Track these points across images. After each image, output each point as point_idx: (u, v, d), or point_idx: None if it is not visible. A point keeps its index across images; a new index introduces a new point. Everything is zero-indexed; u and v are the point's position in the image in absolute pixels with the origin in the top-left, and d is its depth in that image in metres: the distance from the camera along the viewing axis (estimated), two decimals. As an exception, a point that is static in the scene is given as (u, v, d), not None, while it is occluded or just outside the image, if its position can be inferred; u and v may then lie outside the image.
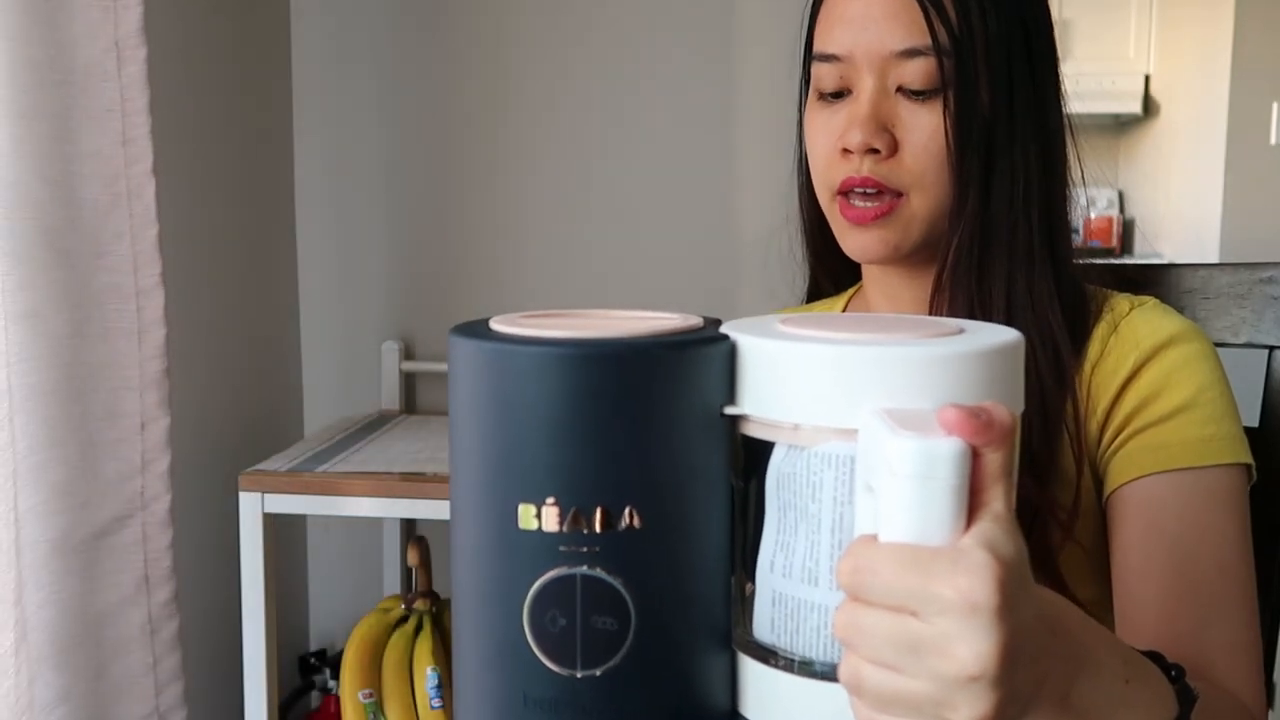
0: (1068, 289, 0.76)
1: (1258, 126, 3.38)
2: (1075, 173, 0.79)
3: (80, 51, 1.16)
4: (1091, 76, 4.11)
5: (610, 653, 0.44)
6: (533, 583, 0.44)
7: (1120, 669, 0.50)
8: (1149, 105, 4.17)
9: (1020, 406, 0.45)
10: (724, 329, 0.47)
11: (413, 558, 1.64)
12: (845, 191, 0.75)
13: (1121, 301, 0.77)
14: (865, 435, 0.41)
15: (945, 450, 0.38)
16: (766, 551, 0.46)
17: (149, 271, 1.23)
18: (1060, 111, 0.78)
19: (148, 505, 1.25)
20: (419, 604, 1.65)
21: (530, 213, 1.90)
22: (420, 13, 1.88)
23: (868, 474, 0.41)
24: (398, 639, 1.62)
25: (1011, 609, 0.38)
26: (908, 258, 0.77)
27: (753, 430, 0.45)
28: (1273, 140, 3.37)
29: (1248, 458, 0.72)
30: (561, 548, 0.43)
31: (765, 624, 0.46)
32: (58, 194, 1.16)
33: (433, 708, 1.59)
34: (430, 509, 1.49)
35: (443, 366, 1.91)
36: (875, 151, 0.73)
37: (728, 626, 0.47)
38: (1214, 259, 3.47)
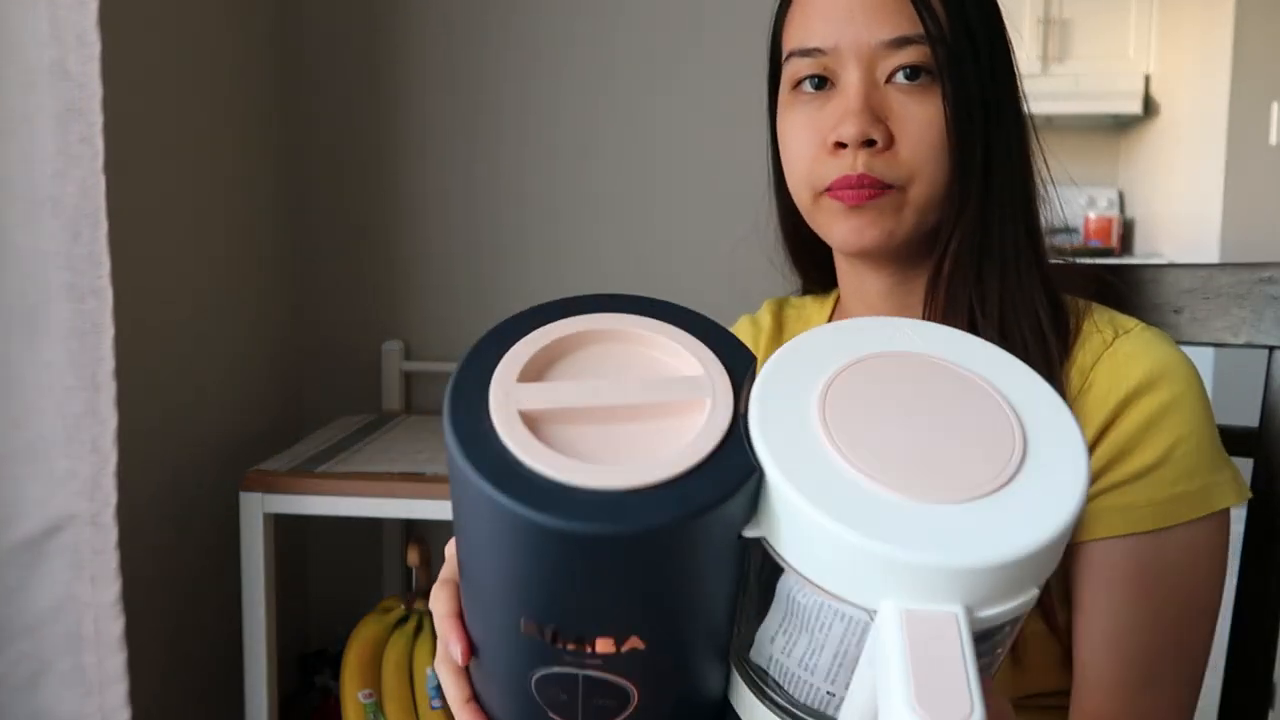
0: (1048, 292, 0.73)
1: (1258, 126, 3.38)
2: (1042, 172, 0.77)
3: (33, 49, 1.15)
4: (1091, 76, 4.12)
5: (613, 715, 0.45)
6: (536, 670, 0.44)
7: None
8: (1149, 105, 4.17)
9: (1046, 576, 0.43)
10: (755, 403, 0.42)
11: (413, 558, 1.64)
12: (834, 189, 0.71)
13: (1105, 326, 0.72)
14: (878, 635, 0.39)
15: None
16: (769, 627, 0.45)
17: (99, 271, 1.22)
18: (1023, 108, 0.76)
19: (95, 505, 1.25)
20: (419, 604, 1.65)
21: (531, 212, 1.90)
22: (418, 8, 1.88)
23: (875, 661, 0.39)
24: (398, 639, 1.62)
25: None
26: (880, 251, 0.73)
27: (770, 550, 0.42)
28: (1273, 140, 3.37)
29: (1222, 502, 0.68)
30: (564, 655, 0.43)
31: (762, 654, 0.46)
32: (6, 192, 1.15)
33: (433, 708, 1.59)
34: (430, 509, 1.49)
35: (443, 366, 1.92)
36: (871, 144, 0.69)
37: (727, 672, 0.48)
38: (1214, 259, 3.47)
